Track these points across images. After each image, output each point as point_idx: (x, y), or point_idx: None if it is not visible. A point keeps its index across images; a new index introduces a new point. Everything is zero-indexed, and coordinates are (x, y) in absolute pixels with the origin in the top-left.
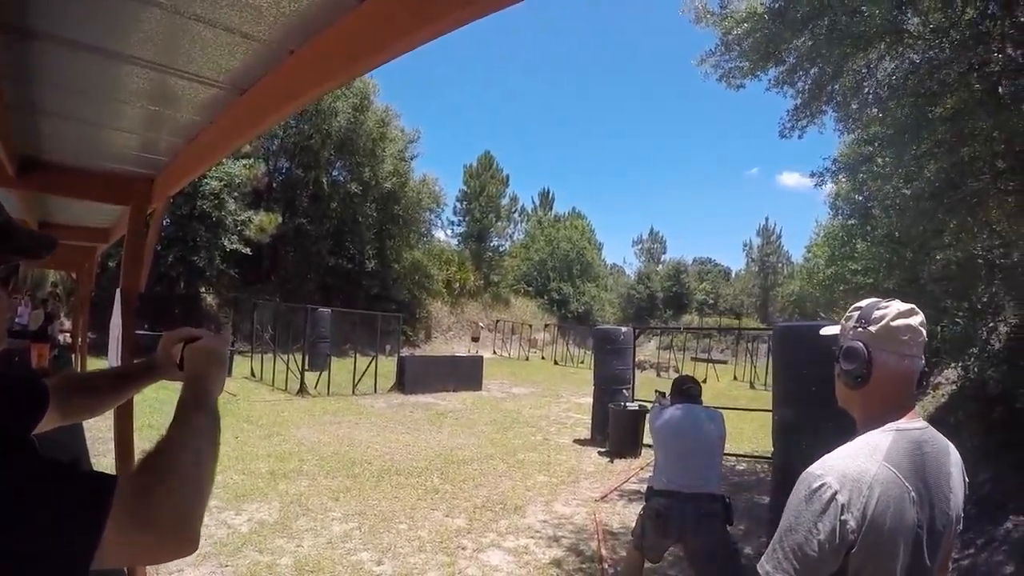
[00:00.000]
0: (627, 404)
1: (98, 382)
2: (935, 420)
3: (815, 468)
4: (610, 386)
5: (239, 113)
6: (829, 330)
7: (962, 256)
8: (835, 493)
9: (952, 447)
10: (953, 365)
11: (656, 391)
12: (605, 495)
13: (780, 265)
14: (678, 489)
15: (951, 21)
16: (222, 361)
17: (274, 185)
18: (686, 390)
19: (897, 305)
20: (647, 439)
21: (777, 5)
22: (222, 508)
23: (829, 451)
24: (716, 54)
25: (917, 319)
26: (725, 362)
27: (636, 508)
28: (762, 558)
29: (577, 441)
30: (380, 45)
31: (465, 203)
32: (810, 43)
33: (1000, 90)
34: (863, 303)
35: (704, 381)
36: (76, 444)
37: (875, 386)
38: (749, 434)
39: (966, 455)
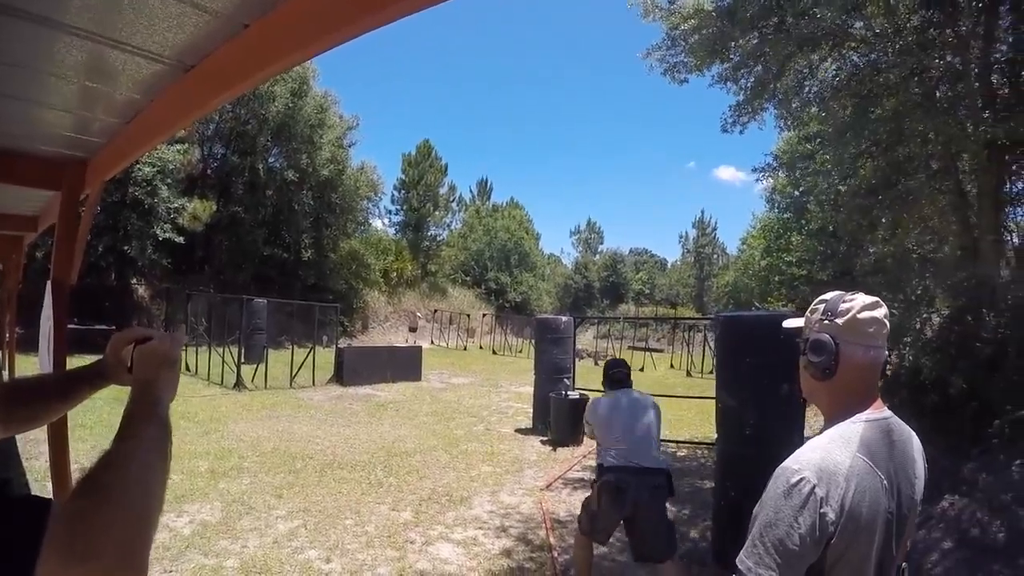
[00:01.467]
0: (568, 393)
1: (43, 388)
2: None
3: (791, 463)
4: (551, 375)
5: (184, 91)
6: (792, 323)
7: (896, 250)
8: (814, 487)
9: (914, 434)
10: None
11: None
12: (550, 484)
13: (715, 256)
14: (634, 464)
15: (895, 27)
16: (173, 363)
17: (208, 172)
18: (615, 376)
19: (862, 298)
20: None
21: (726, 3)
22: (165, 512)
23: (771, 437)
24: (662, 48)
25: (881, 311)
26: (661, 350)
27: (582, 496)
28: (741, 554)
29: (519, 430)
30: (340, 22)
31: (403, 192)
32: (755, 42)
33: (938, 94)
34: (828, 296)
35: (642, 369)
36: (6, 456)
37: (842, 378)
38: (688, 421)
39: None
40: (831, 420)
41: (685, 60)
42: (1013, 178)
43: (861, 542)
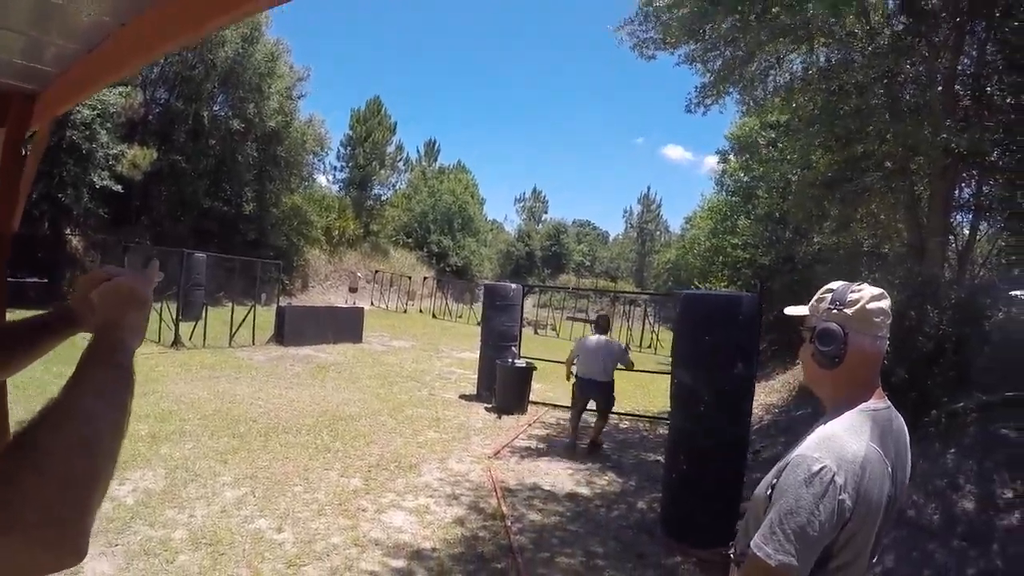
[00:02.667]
0: (515, 361)
1: (4, 338)
2: (807, 389)
3: (811, 452)
4: (497, 342)
5: (164, 15)
6: (795, 310)
7: (847, 242)
8: (834, 475)
9: (904, 424)
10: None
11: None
12: (497, 452)
13: (658, 233)
14: (585, 377)
15: (867, 30)
16: (143, 304)
17: (150, 117)
18: (598, 324)
19: (870, 289)
20: (533, 396)
21: None
22: None
23: (724, 414)
24: (634, 23)
25: (887, 302)
26: None
27: (529, 465)
28: (756, 539)
29: (463, 397)
30: None
31: (349, 148)
32: (727, 26)
33: (902, 98)
34: (834, 286)
35: None
36: None
37: (848, 366)
38: (629, 394)
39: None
40: (835, 408)
41: (655, 37)
42: (963, 185)
43: (868, 524)
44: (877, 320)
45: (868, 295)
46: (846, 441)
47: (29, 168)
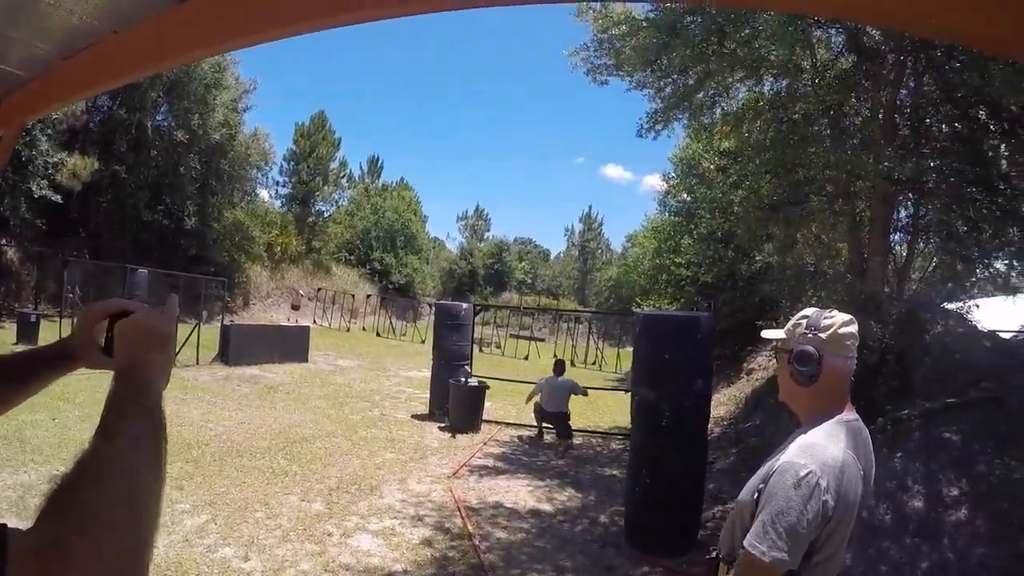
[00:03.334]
0: (468, 380)
1: None
2: (753, 402)
3: (797, 459)
4: (449, 361)
5: (163, 28)
6: (771, 334)
7: (792, 262)
8: (819, 479)
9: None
10: (766, 352)
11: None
12: (456, 471)
13: (600, 251)
14: (548, 409)
15: (814, 64)
16: (166, 343)
17: (91, 125)
18: (556, 367)
19: (841, 316)
20: (486, 415)
21: (659, 15)
22: None
23: (684, 428)
24: (589, 49)
25: (855, 327)
26: (543, 339)
27: (489, 483)
28: (750, 538)
29: (415, 416)
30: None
31: (293, 164)
32: (688, 54)
33: (845, 128)
34: (808, 312)
35: (526, 357)
36: None
37: (823, 384)
38: (577, 411)
39: (787, 431)
40: (810, 421)
41: (608, 63)
42: (901, 208)
43: (845, 522)
44: (848, 343)
45: (840, 321)
46: (827, 448)
47: None
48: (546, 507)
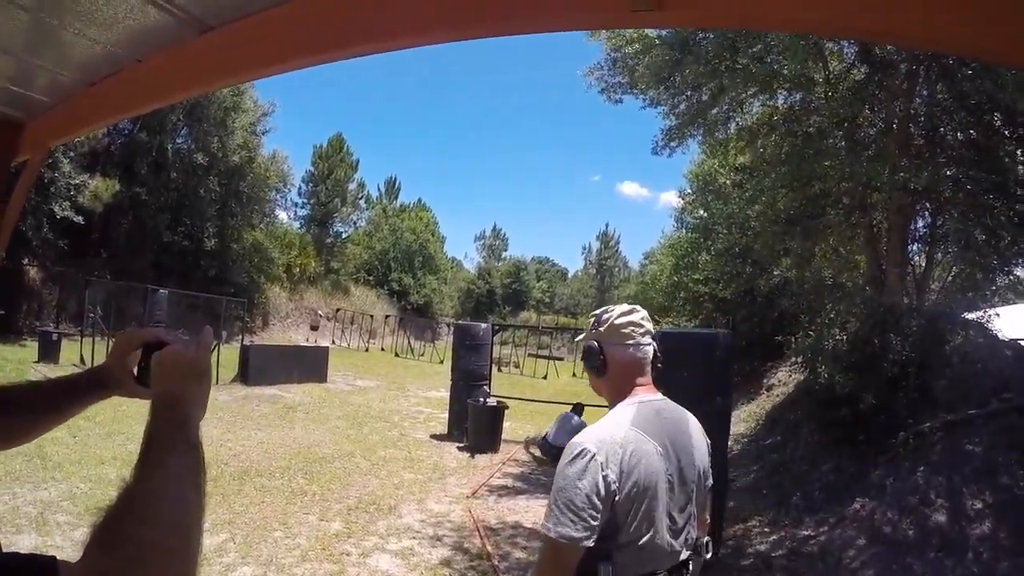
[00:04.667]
0: (486, 400)
1: (30, 398)
2: (773, 418)
3: (575, 439)
4: (468, 381)
5: (188, 57)
6: (582, 338)
7: (811, 275)
8: (593, 455)
9: (689, 414)
10: (791, 370)
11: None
12: (475, 491)
13: (617, 269)
14: (555, 443)
15: (826, 77)
16: (202, 374)
17: (112, 148)
18: (577, 408)
19: (620, 307)
20: (505, 435)
21: (672, 34)
22: (74, 524)
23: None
24: (603, 68)
25: (638, 315)
26: (562, 359)
27: (508, 503)
28: (543, 520)
29: (434, 436)
30: (328, 43)
31: (311, 185)
32: (702, 71)
33: (859, 139)
34: (598, 311)
35: (544, 377)
36: None
37: (613, 372)
38: None
39: (808, 447)
40: (612, 406)
41: (622, 81)
42: (918, 218)
43: (647, 498)
44: (626, 331)
45: (616, 312)
46: (608, 428)
47: (15, 198)
48: None
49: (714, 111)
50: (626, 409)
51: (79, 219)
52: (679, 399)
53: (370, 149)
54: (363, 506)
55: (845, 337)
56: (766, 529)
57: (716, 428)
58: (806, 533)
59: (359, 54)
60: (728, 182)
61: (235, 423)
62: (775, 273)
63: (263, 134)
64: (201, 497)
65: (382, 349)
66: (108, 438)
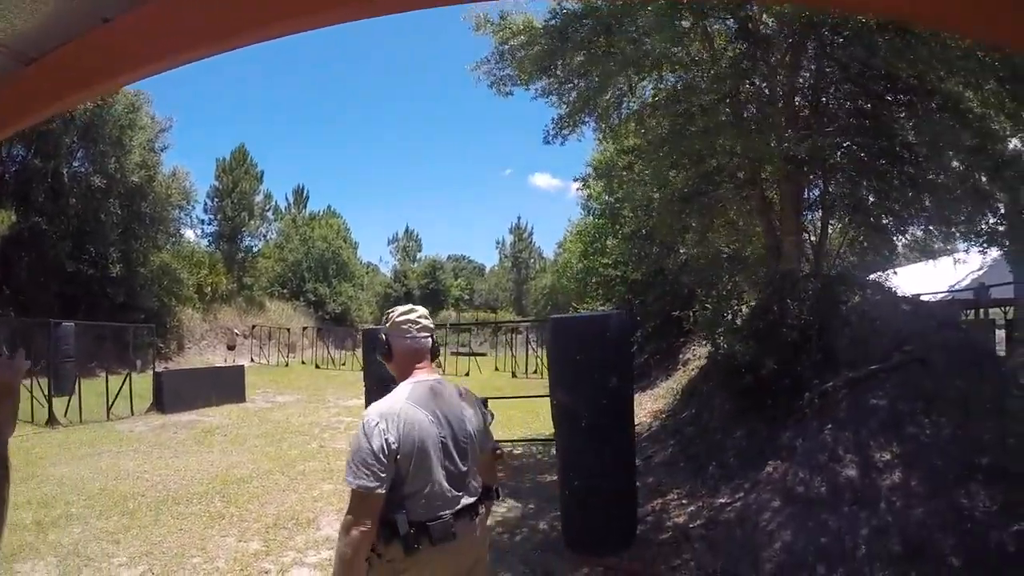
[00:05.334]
0: None
1: None
2: (688, 392)
3: (366, 412)
4: (381, 386)
5: (22, 86)
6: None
7: (708, 251)
8: (377, 423)
9: (463, 389)
10: (702, 343)
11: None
12: None
13: (532, 260)
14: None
15: (711, 55)
16: (11, 393)
17: (7, 177)
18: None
19: (401, 308)
20: None
21: (555, 22)
22: None
23: (606, 427)
24: (490, 62)
25: (415, 314)
26: (484, 354)
27: None
28: (345, 476)
29: None
30: (228, 29)
31: (217, 200)
32: (581, 59)
33: (745, 115)
34: (389, 310)
35: (467, 373)
36: None
37: (397, 358)
38: (519, 420)
39: (721, 417)
40: (398, 383)
41: (511, 74)
42: (809, 187)
43: (422, 457)
44: (404, 327)
45: (398, 312)
46: (388, 402)
47: None
48: None
49: (606, 96)
50: (404, 387)
51: None
52: (574, 383)
53: (275, 159)
54: (281, 522)
55: (743, 307)
56: (684, 501)
57: (616, 409)
58: (722, 501)
59: (256, 40)
60: (622, 165)
61: (152, 453)
62: (681, 252)
63: (162, 151)
64: (1, 494)
65: (302, 362)
66: (22, 483)
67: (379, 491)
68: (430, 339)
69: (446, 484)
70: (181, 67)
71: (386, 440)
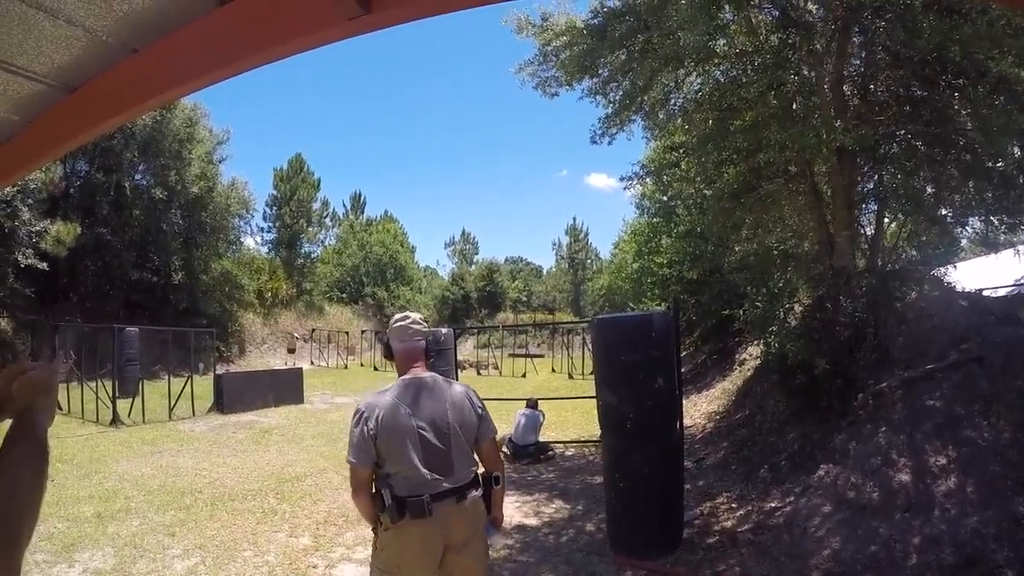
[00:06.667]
0: None
1: None
2: (743, 393)
3: (357, 403)
4: None
5: (67, 113)
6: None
7: (759, 247)
8: (363, 413)
9: (455, 383)
10: (756, 342)
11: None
12: None
13: (589, 261)
14: (519, 442)
15: (755, 46)
16: (48, 390)
17: (72, 191)
18: (529, 403)
19: (399, 315)
20: None
21: (596, 22)
22: (51, 562)
23: (652, 428)
24: (534, 64)
25: (409, 320)
26: (542, 356)
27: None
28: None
29: None
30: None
31: (275, 208)
32: (623, 58)
33: (794, 106)
34: (397, 315)
35: (524, 375)
36: None
37: (398, 358)
38: (573, 421)
39: (775, 418)
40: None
41: (556, 75)
42: (863, 179)
43: (394, 441)
44: (401, 331)
45: (396, 318)
46: (375, 396)
47: None
48: (532, 521)
49: (652, 94)
50: (396, 384)
51: (43, 265)
52: (619, 384)
53: (332, 166)
54: (332, 519)
55: (795, 305)
56: (733, 505)
57: (662, 410)
58: (772, 505)
59: (298, 50)
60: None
61: (210, 452)
62: (736, 249)
63: (220, 162)
64: (38, 477)
65: (361, 365)
66: (85, 478)
67: (361, 467)
68: (423, 341)
69: (423, 469)
70: (228, 80)
71: (367, 427)
